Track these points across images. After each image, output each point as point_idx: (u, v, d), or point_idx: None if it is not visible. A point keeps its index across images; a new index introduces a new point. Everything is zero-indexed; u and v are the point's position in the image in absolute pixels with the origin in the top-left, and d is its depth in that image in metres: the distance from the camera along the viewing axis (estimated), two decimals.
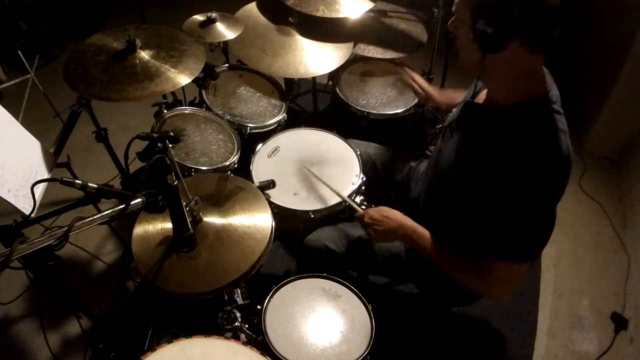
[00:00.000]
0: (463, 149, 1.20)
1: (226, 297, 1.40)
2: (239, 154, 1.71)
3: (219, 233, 1.24)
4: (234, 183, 1.40)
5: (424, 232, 1.27)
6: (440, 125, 1.40)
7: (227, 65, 2.08)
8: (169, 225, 1.22)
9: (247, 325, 1.34)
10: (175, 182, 1.04)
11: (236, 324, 1.32)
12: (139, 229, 1.26)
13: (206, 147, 1.71)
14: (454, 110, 1.34)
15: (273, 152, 1.74)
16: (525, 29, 0.96)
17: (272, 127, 1.88)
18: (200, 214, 1.24)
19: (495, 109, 1.13)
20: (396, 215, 1.32)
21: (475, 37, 1.00)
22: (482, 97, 1.24)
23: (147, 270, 1.16)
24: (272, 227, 1.26)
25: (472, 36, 1.00)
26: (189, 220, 1.16)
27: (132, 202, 0.96)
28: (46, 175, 1.42)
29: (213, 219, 1.27)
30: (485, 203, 1.10)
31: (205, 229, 1.24)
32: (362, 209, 1.43)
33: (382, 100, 2.01)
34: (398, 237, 1.33)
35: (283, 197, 1.56)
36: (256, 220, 1.27)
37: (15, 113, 1.43)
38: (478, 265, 1.16)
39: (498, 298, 1.24)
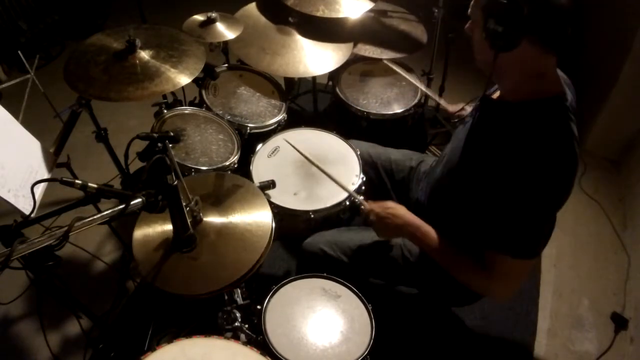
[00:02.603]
0: (471, 141, 1.22)
1: (226, 297, 1.40)
2: (239, 154, 1.71)
3: (219, 232, 1.24)
4: (231, 181, 1.40)
5: (429, 230, 1.27)
6: (456, 121, 1.41)
7: (227, 65, 2.08)
8: (169, 226, 1.21)
9: (247, 325, 1.34)
10: (175, 182, 1.04)
11: (236, 324, 1.32)
12: (139, 232, 1.25)
13: (206, 147, 1.71)
14: (469, 107, 1.35)
15: (273, 152, 1.74)
16: (535, 28, 0.99)
17: (272, 127, 1.88)
18: (201, 214, 1.24)
19: (507, 104, 1.15)
20: (401, 212, 1.32)
21: (486, 35, 1.04)
22: (496, 95, 1.26)
23: (148, 272, 1.16)
24: (272, 223, 1.26)
25: (484, 35, 1.04)
26: (189, 220, 1.16)
27: (132, 202, 0.96)
28: (46, 175, 1.42)
29: (213, 219, 1.27)
30: (493, 196, 1.10)
31: (205, 228, 1.24)
32: (367, 202, 1.42)
33: (382, 100, 2.01)
34: (402, 235, 1.35)
35: (283, 197, 1.56)
36: (256, 217, 1.27)
37: (15, 113, 1.43)
38: (482, 263, 1.17)
39: (500, 297, 1.24)
